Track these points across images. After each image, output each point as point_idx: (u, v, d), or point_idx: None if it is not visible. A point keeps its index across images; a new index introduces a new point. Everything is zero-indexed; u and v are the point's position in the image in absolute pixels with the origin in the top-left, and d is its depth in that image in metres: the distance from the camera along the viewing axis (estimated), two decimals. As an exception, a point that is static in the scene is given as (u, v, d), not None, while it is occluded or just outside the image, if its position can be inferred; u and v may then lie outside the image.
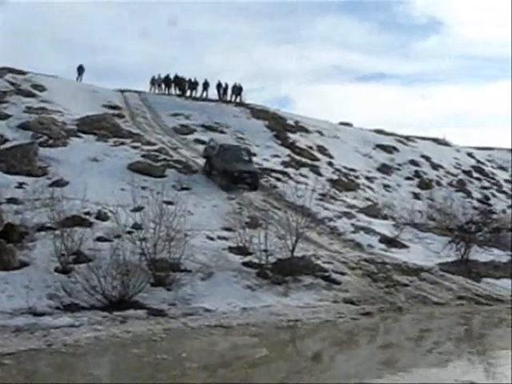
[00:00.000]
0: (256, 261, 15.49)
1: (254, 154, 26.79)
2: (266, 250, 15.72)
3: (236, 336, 11.44)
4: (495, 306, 14.68)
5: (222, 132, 30.64)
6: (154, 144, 26.43)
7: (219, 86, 38.46)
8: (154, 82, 39.07)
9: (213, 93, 38.54)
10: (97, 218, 17.19)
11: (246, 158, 24.94)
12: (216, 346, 11.02)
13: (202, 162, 25.41)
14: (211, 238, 17.10)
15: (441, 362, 10.30)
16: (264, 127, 32.25)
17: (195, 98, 37.78)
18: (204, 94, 38.68)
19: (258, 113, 34.66)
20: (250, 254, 16.01)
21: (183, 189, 21.34)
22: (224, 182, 23.14)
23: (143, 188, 20.13)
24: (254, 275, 14.80)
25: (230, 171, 23.31)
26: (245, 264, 15.40)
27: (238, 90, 38.21)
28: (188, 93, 38.75)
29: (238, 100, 37.94)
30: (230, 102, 37.52)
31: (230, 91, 38.34)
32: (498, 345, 11.64)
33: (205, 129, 30.99)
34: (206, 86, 38.66)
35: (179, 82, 38.70)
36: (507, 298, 15.18)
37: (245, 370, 9.56)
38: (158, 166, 23.36)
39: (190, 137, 29.75)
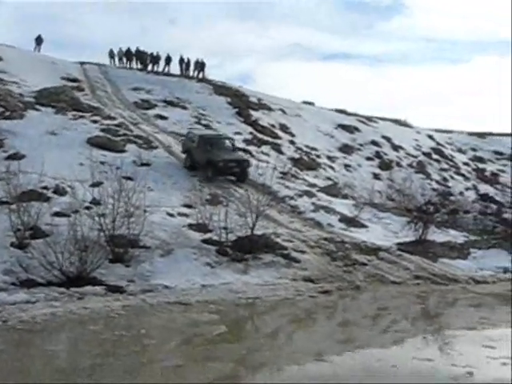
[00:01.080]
0: (216, 238, 15.46)
1: (233, 139, 24.84)
2: (226, 228, 15.69)
3: (195, 313, 11.40)
4: (451, 285, 14.93)
5: (183, 108, 30.31)
6: (114, 118, 26.03)
7: (181, 61, 38.02)
8: (112, 54, 38.32)
9: (175, 68, 38.12)
10: (54, 192, 16.90)
11: (230, 147, 23.76)
12: (175, 322, 10.97)
13: (162, 137, 25.13)
14: (171, 215, 16.98)
15: (397, 340, 10.46)
16: (226, 104, 32.02)
17: (157, 73, 37.30)
18: (166, 69, 38.23)
19: (221, 89, 34.39)
20: (210, 231, 15.96)
21: (143, 164, 21.08)
22: (210, 174, 21.64)
23: (102, 163, 19.85)
24: (213, 252, 14.78)
25: (214, 162, 21.76)
26: (205, 241, 15.35)
27: (200, 65, 37.83)
28: (150, 67, 38.20)
29: (200, 76, 37.57)
30: (192, 77, 37.15)
31: (192, 67, 37.95)
32: (453, 324, 11.86)
33: (166, 104, 30.65)
34: (168, 60, 38.18)
35: (141, 55, 38.11)
36: (462, 278, 15.48)
37: (204, 347, 9.53)
38: (117, 141, 23.03)
39: (151, 112, 29.39)
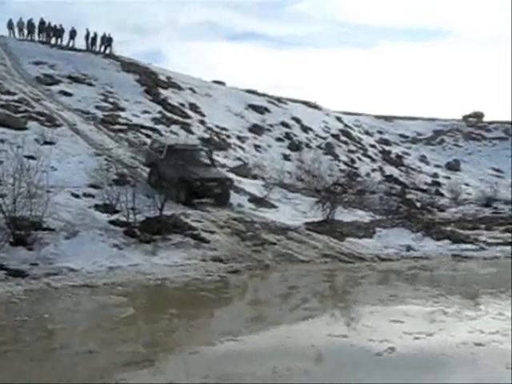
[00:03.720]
0: (123, 219, 15.10)
1: (211, 151, 21.83)
2: (133, 209, 15.35)
3: (102, 296, 11.09)
4: (357, 263, 15.33)
5: (89, 84, 29.27)
6: (13, 94, 24.78)
7: (87, 35, 36.62)
8: (11, 25, 36.39)
9: (80, 42, 36.68)
10: (-51, 171, 15.88)
11: (207, 162, 19.97)
12: (81, 306, 10.63)
13: (67, 115, 24.17)
14: (76, 196, 16.46)
15: (307, 317, 10.59)
16: (134, 81, 31.17)
17: (61, 47, 35.67)
18: (71, 43, 36.65)
19: (129, 66, 33.42)
20: (117, 212, 15.59)
21: (46, 143, 20.21)
22: (183, 197, 17.89)
23: (2, 141, 18.88)
24: (121, 234, 14.42)
25: (188, 180, 18.08)
26: (112, 222, 14.97)
27: (107, 41, 36.61)
28: (53, 40, 36.58)
29: (107, 51, 36.37)
30: (98, 52, 35.86)
31: (98, 42, 36.64)
32: (360, 300, 12.18)
33: (71, 80, 29.35)
34: (72, 34, 36.59)
35: (44, 27, 36.38)
36: (368, 256, 15.92)
37: (114, 330, 9.26)
38: (18, 118, 21.90)
39: (55, 88, 28.11)
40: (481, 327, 9.47)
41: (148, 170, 19.70)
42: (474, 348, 8.49)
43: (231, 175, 22.00)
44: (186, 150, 19.97)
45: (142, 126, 25.54)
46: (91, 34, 36.64)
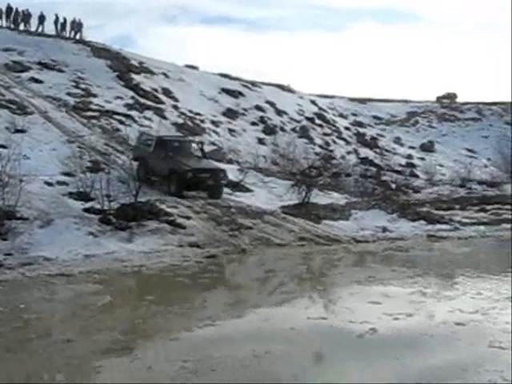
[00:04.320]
0: (98, 206, 14.98)
1: (202, 143, 20.90)
2: (108, 196, 15.22)
3: (78, 284, 10.98)
4: (333, 246, 15.44)
5: (60, 71, 28.79)
6: (-18, 81, 24.28)
7: (57, 20, 35.93)
8: (-25, 10, 35.48)
9: (49, 28, 35.98)
10: None
11: (198, 153, 19.53)
12: (57, 295, 10.52)
13: (38, 102, 23.77)
14: (50, 184, 16.25)
15: (285, 300, 10.62)
16: (106, 67, 30.75)
17: (30, 32, 34.95)
18: (40, 29, 35.93)
19: (100, 51, 32.91)
20: (91, 199, 15.46)
21: (17, 131, 19.87)
22: (173, 189, 17.47)
23: (-29, 129, 18.51)
24: (96, 221, 14.27)
25: (179, 172, 17.53)
26: (86, 210, 14.83)
27: (77, 26, 35.94)
28: (21, 26, 35.82)
29: (77, 37, 35.73)
30: (68, 38, 35.21)
31: (68, 27, 35.97)
32: (338, 282, 12.25)
33: (41, 66, 28.83)
34: (41, 19, 35.79)
35: (11, 13, 35.58)
36: (344, 239, 16.01)
37: (92, 319, 9.16)
38: (-13, 106, 21.52)
39: (25, 75, 27.57)
40: (460, 307, 9.57)
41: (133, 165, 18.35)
42: (454, 327, 8.57)
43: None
44: (175, 141, 19.52)
45: (115, 112, 25.27)
46: (60, 20, 35.97)
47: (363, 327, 8.51)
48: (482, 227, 18.32)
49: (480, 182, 27.21)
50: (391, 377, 6.86)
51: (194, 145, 20.11)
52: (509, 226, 18.57)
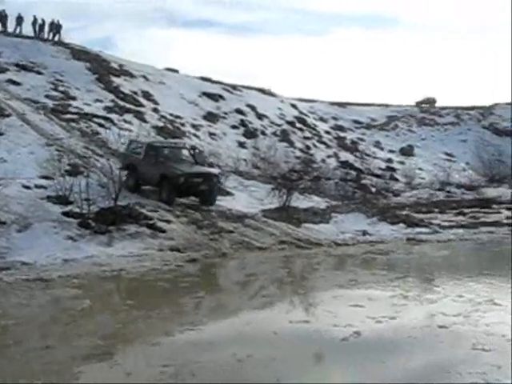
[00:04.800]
0: (77, 210, 14.84)
1: (194, 149, 20.48)
2: (87, 199, 15.08)
3: (57, 289, 10.84)
4: (314, 249, 15.45)
5: (38, 73, 28.50)
6: (-42, 83, 23.93)
7: (35, 21, 35.56)
8: None
9: (28, 29, 35.60)
10: None
11: (190, 159, 18.90)
12: (35, 300, 10.35)
13: (15, 104, 23.49)
14: (27, 187, 16.04)
15: (266, 304, 10.58)
16: (85, 69, 30.50)
17: (7, 34, 34.54)
18: (17, 30, 35.53)
19: (79, 53, 32.66)
20: (70, 203, 15.31)
21: (-5, 134, 19.63)
22: (165, 195, 17.02)
23: None
24: (75, 225, 14.13)
25: (171, 177, 17.07)
26: (65, 214, 14.67)
27: (56, 27, 35.61)
28: (-1, 28, 35.40)
29: (56, 39, 35.43)
30: (47, 40, 34.90)
31: (47, 28, 35.64)
32: (320, 286, 12.22)
33: (19, 68, 28.45)
34: (19, 20, 35.34)
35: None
36: (325, 242, 16.04)
37: (71, 324, 9.03)
38: (-37, 108, 21.21)
39: (2, 76, 27.16)
40: (442, 310, 9.59)
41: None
42: (437, 330, 8.59)
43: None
44: (166, 147, 19.08)
45: (95, 115, 25.04)
46: (39, 21, 35.63)
47: (347, 331, 8.48)
48: (460, 230, 18.47)
49: (459, 186, 27.44)
50: (376, 380, 6.86)
51: (185, 150, 19.58)
52: (487, 229, 18.75)
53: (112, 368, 7.30)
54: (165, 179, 17.10)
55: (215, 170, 19.66)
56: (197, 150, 19.79)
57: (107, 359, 7.60)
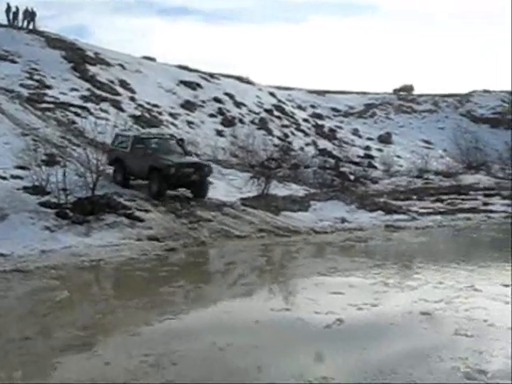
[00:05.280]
0: (55, 200, 14.68)
1: (182, 140, 20.18)
2: (65, 189, 14.93)
3: (35, 280, 10.72)
4: (293, 237, 15.47)
5: (13, 61, 28.07)
6: None
7: (8, 9, 35.00)
8: None
9: (1, 17, 35.06)
10: None
11: (179, 150, 18.22)
12: (13, 291, 10.22)
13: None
14: (3, 178, 15.87)
15: (246, 292, 10.56)
16: (61, 58, 30.15)
17: (-20, 22, 34.07)
18: (-10, 19, 35.01)
19: (54, 42, 32.27)
20: (47, 193, 15.14)
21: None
22: (155, 188, 16.49)
23: None
24: (52, 216, 13.99)
25: (161, 168, 16.47)
26: (42, 204, 14.50)
27: (30, 15, 35.15)
28: (-29, 16, 34.81)
29: (30, 27, 34.95)
30: (21, 28, 34.41)
31: (21, 16, 35.13)
32: (299, 273, 12.21)
33: (-7, 57, 28.13)
34: (-8, 8, 34.96)
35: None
36: (303, 230, 16.06)
37: (50, 315, 8.94)
38: None
39: (-25, 65, 26.88)
40: (423, 296, 9.63)
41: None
42: (420, 317, 8.62)
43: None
44: (154, 138, 18.47)
45: (71, 104, 24.80)
46: (13, 9, 35.08)
47: (330, 318, 8.47)
48: (438, 217, 18.63)
49: (436, 173, 27.70)
50: (360, 365, 6.89)
51: (173, 142, 18.94)
52: (464, 215, 18.95)
53: (91, 358, 7.25)
54: (154, 171, 16.58)
55: (203, 160, 19.17)
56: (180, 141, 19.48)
57: (86, 350, 7.53)
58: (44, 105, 24.10)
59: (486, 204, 20.66)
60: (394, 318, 8.55)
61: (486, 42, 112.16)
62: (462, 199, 21.26)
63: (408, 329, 8.22)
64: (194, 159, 18.32)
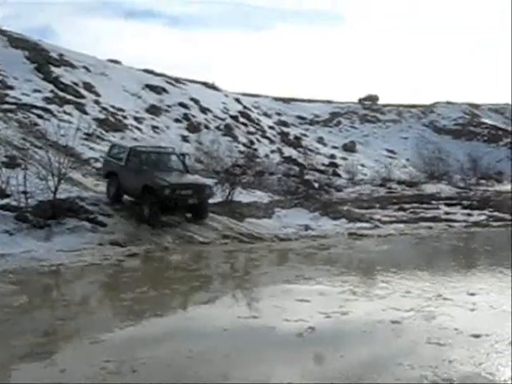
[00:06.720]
0: (14, 203, 14.38)
1: (184, 155, 18.79)
2: (25, 192, 14.65)
3: (-8, 284, 10.44)
4: (257, 244, 15.44)
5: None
6: None
7: (-31, 9, 34.34)
8: None
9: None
10: None
11: (180, 167, 16.85)
12: (-33, 297, 9.94)
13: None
14: (-39, 179, 15.42)
15: (210, 299, 10.45)
16: (23, 58, 29.67)
17: None
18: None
19: (17, 42, 31.73)
20: (7, 196, 14.84)
21: None
22: (147, 211, 14.99)
23: None
24: (12, 219, 13.70)
25: (155, 188, 14.97)
26: (1, 207, 14.20)
27: (-8, 14, 34.54)
28: None
29: (-8, 26, 34.31)
30: (-18, 27, 33.78)
31: (-18, 16, 34.47)
32: (263, 281, 12.13)
33: (-48, 56, 27.51)
34: (-47, 7, 34.18)
35: None
36: (267, 237, 16.05)
37: (8, 321, 8.68)
38: None
39: None
40: (393, 305, 9.63)
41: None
42: (392, 325, 8.61)
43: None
44: (152, 152, 16.94)
45: (33, 106, 24.38)
46: (-26, 8, 34.43)
47: (300, 326, 8.41)
48: (400, 225, 18.82)
49: (399, 182, 28.06)
50: (327, 373, 6.87)
51: (174, 157, 17.40)
52: (426, 224, 19.18)
53: (51, 366, 7.06)
54: (147, 191, 15.13)
55: (207, 181, 17.86)
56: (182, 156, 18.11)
57: (46, 357, 7.34)
58: (5, 106, 23.65)
59: (447, 213, 20.96)
60: (365, 327, 8.55)
61: (449, 53, 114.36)
62: (424, 208, 21.55)
63: (380, 337, 8.22)
64: (194, 179, 16.63)
